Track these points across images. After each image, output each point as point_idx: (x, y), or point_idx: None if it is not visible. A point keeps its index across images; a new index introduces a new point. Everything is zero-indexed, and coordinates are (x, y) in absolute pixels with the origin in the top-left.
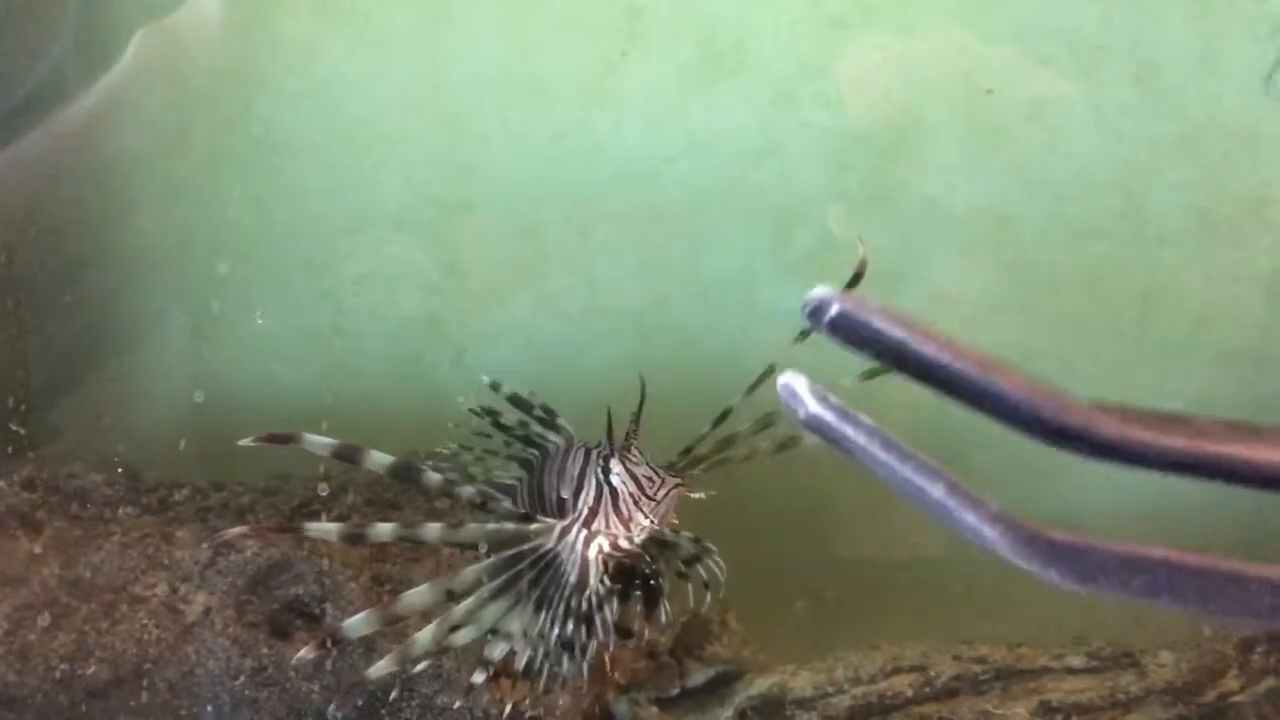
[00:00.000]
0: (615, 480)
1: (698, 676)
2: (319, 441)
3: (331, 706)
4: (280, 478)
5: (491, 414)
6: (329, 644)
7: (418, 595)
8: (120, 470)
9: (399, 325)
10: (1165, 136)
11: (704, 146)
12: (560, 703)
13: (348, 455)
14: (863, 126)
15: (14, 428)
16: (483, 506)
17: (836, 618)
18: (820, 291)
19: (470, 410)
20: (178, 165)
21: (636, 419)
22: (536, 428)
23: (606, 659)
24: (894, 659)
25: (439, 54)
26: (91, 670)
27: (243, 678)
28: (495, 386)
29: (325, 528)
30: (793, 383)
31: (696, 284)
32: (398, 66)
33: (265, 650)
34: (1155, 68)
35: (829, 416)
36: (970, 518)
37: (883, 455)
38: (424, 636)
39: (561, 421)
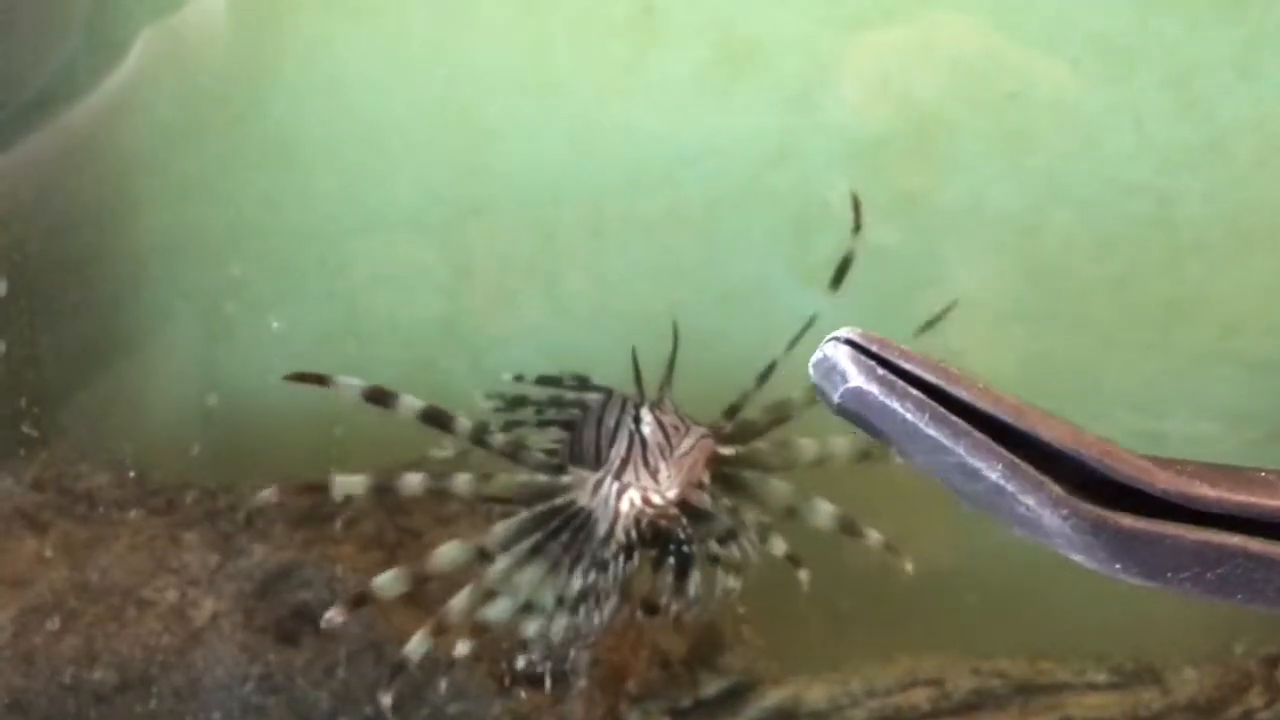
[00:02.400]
0: (646, 429)
1: (711, 688)
2: (349, 383)
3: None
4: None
5: (518, 400)
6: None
7: (449, 551)
8: (130, 472)
9: (413, 328)
10: (1198, 142)
11: (721, 149)
12: (575, 713)
13: (379, 398)
14: (883, 130)
15: (26, 429)
16: (513, 457)
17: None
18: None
19: (495, 408)
20: (188, 164)
21: (670, 368)
22: (571, 394)
23: (620, 659)
24: (910, 672)
25: (452, 53)
26: (99, 675)
27: (250, 684)
28: (519, 377)
29: (354, 480)
30: (833, 355)
31: (712, 288)
32: (411, 65)
33: (273, 656)
34: (1189, 72)
35: (874, 390)
36: (1030, 502)
37: (932, 433)
38: (458, 603)
39: (596, 381)
